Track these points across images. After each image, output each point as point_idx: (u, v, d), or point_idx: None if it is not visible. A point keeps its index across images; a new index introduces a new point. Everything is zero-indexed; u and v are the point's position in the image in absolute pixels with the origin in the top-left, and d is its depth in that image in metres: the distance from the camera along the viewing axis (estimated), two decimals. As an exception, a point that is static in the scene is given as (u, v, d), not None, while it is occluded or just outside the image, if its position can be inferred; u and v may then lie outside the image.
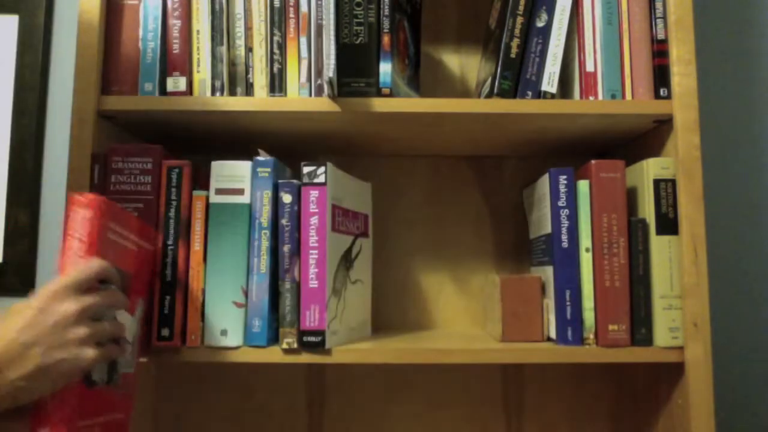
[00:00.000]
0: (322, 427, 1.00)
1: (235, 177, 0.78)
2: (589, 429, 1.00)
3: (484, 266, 1.03)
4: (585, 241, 0.80)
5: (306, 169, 0.78)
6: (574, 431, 1.00)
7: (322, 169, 0.78)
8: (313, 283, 0.76)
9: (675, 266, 0.78)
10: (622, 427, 0.97)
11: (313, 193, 0.77)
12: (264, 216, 0.78)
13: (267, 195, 0.78)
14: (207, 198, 0.78)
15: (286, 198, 0.78)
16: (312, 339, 0.76)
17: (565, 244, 0.80)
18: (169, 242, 0.78)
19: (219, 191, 0.78)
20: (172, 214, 0.78)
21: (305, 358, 0.76)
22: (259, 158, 0.79)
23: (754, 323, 1.04)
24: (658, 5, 0.82)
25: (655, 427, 0.85)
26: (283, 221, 0.77)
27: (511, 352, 0.78)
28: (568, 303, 0.79)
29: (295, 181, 0.78)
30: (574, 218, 0.80)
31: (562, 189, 0.80)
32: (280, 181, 0.78)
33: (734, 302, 1.04)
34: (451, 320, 1.02)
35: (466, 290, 1.03)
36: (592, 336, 0.79)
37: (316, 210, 0.77)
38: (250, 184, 0.78)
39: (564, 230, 0.80)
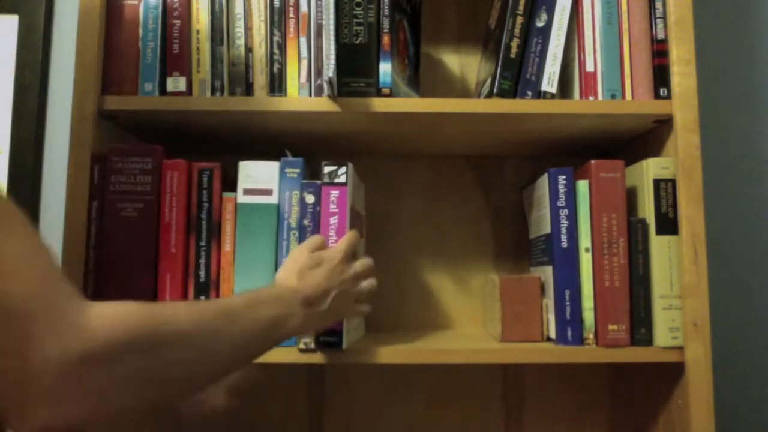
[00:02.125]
0: (322, 427, 1.00)
1: (262, 177, 0.79)
2: (588, 429, 1.00)
3: (483, 266, 1.03)
4: (584, 241, 0.80)
5: (327, 169, 0.77)
6: (574, 431, 1.00)
7: (343, 170, 0.77)
8: None
9: (675, 266, 0.78)
10: (622, 427, 0.97)
11: (334, 193, 0.77)
12: (293, 216, 0.78)
13: (296, 195, 0.78)
14: (236, 199, 0.79)
15: (309, 198, 0.78)
16: (329, 339, 0.76)
17: (564, 244, 0.80)
18: (202, 243, 0.78)
19: (247, 191, 0.79)
20: (204, 215, 0.79)
21: (318, 357, 0.76)
22: (288, 158, 0.79)
23: (754, 323, 1.04)
24: (658, 5, 0.82)
25: (655, 427, 0.85)
26: (305, 222, 0.77)
27: (511, 351, 0.78)
28: (567, 303, 0.79)
29: (318, 181, 0.78)
30: (573, 218, 0.80)
31: (562, 189, 0.81)
32: (303, 181, 0.78)
33: (734, 302, 1.04)
34: (450, 320, 1.02)
35: (465, 290, 1.03)
36: (591, 336, 0.79)
37: (336, 210, 0.76)
38: (278, 185, 0.79)
39: (563, 230, 0.80)
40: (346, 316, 0.75)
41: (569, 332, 0.79)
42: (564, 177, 0.81)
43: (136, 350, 0.44)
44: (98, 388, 0.42)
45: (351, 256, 0.74)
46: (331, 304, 0.69)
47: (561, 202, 0.80)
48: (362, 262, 0.76)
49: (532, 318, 0.83)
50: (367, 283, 0.75)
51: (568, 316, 0.79)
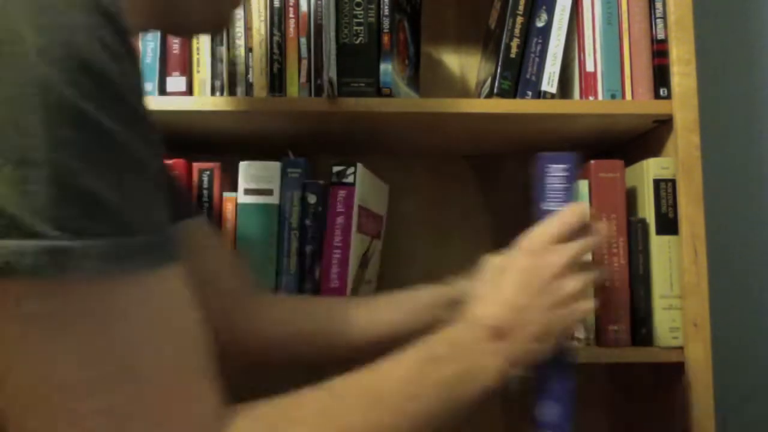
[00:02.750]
0: (322, 427, 1.00)
1: (263, 177, 0.79)
2: (589, 429, 1.00)
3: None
4: (585, 241, 0.80)
5: (335, 169, 0.77)
6: (574, 431, 1.00)
7: (351, 170, 0.77)
8: (335, 283, 0.76)
9: (675, 266, 0.78)
10: (622, 426, 0.97)
11: (341, 193, 0.77)
12: (294, 216, 0.78)
13: (297, 195, 0.78)
14: (236, 199, 0.79)
15: (311, 198, 0.78)
16: None
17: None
18: None
19: (248, 191, 0.79)
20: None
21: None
22: (290, 158, 0.79)
23: (754, 323, 1.04)
24: (658, 5, 0.82)
25: (655, 427, 0.85)
26: (307, 221, 0.77)
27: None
28: None
29: (321, 181, 0.78)
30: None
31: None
32: (306, 181, 0.78)
33: (734, 302, 1.04)
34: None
35: (466, 290, 1.02)
36: (592, 336, 0.79)
37: (343, 210, 0.76)
38: (279, 185, 0.79)
39: None
40: (570, 326, 0.53)
41: None
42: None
43: None
44: None
45: (561, 240, 0.52)
46: (543, 319, 0.49)
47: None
48: (580, 245, 0.52)
49: None
50: (594, 303, 0.53)
51: None
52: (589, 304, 0.52)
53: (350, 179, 0.77)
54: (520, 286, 0.50)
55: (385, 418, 0.42)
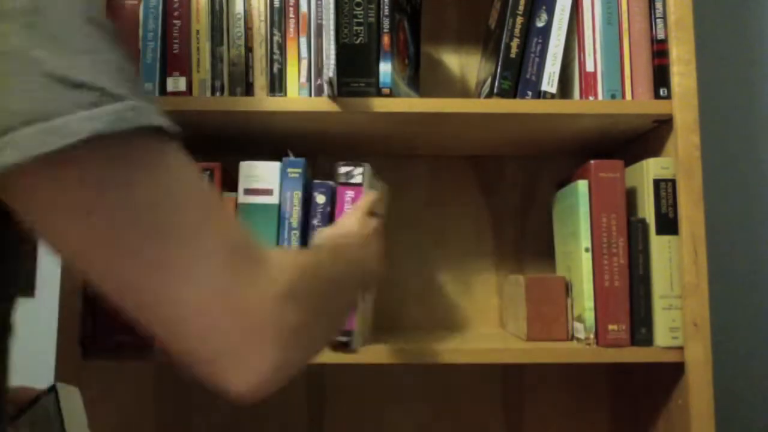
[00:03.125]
0: (322, 427, 1.00)
1: (263, 177, 0.79)
2: (589, 429, 1.00)
3: (484, 266, 1.03)
4: (584, 241, 0.80)
5: (343, 169, 0.77)
6: (574, 431, 1.00)
7: (359, 170, 0.77)
8: None
9: (675, 266, 0.78)
10: (622, 427, 0.97)
11: (349, 194, 0.77)
12: (294, 216, 0.78)
13: (297, 195, 0.78)
14: (236, 199, 0.79)
15: (320, 198, 0.78)
16: (341, 339, 0.75)
17: None
18: None
19: (248, 191, 0.79)
20: None
21: (330, 357, 0.76)
22: (290, 158, 0.79)
23: (754, 323, 1.04)
24: (658, 5, 0.82)
25: (655, 427, 0.85)
26: (315, 221, 0.77)
27: (516, 351, 0.78)
28: None
29: (330, 182, 0.78)
30: None
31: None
32: (315, 181, 0.78)
33: (734, 302, 1.04)
34: (450, 320, 1.02)
35: (465, 290, 1.03)
36: (592, 336, 0.79)
37: None
38: (279, 185, 0.78)
39: None
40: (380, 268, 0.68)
41: None
42: None
43: (313, 291, 0.46)
44: (299, 325, 0.42)
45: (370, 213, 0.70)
46: (374, 245, 0.66)
47: None
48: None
49: (558, 318, 0.83)
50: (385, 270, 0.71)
51: None
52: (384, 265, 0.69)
53: (358, 179, 0.77)
54: (360, 227, 0.65)
55: (347, 282, 0.56)
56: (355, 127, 0.87)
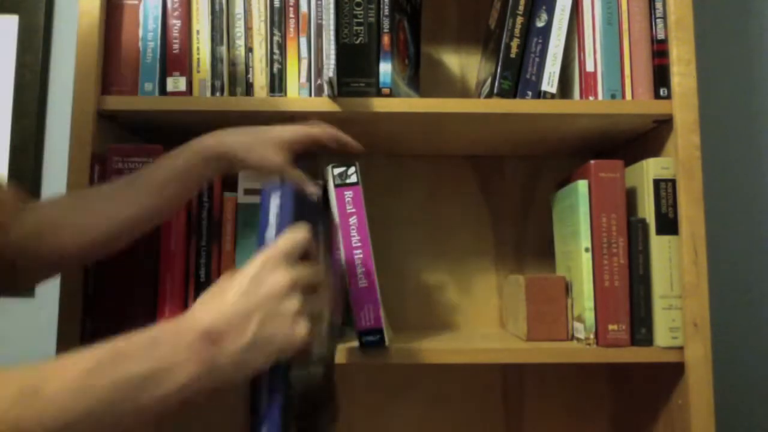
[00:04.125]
0: (322, 427, 1.00)
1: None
2: (589, 429, 1.00)
3: (484, 266, 1.03)
4: (584, 241, 0.80)
5: (336, 171, 0.77)
6: (574, 431, 1.00)
7: (352, 169, 0.77)
8: (363, 283, 0.75)
9: (675, 266, 0.78)
10: (622, 427, 0.97)
11: (348, 194, 0.76)
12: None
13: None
14: (236, 199, 0.79)
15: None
16: (371, 338, 0.75)
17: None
18: (203, 243, 0.79)
19: (248, 191, 0.79)
20: (204, 215, 0.79)
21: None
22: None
23: (754, 323, 1.04)
24: (658, 5, 0.82)
25: (655, 427, 0.85)
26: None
27: (521, 352, 0.78)
28: None
29: (320, 181, 0.78)
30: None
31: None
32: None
33: (734, 302, 1.04)
34: (450, 320, 1.02)
35: (465, 290, 1.03)
36: (592, 336, 0.79)
37: (354, 210, 0.76)
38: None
39: None
40: (284, 345, 0.50)
41: None
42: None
43: None
44: None
45: (291, 259, 0.52)
46: (257, 332, 0.48)
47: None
48: (308, 269, 0.53)
49: (558, 317, 0.83)
50: (311, 329, 0.51)
51: None
52: (303, 327, 0.50)
53: (353, 179, 0.77)
54: (242, 295, 0.49)
55: (37, 413, 0.41)
56: (355, 127, 0.87)
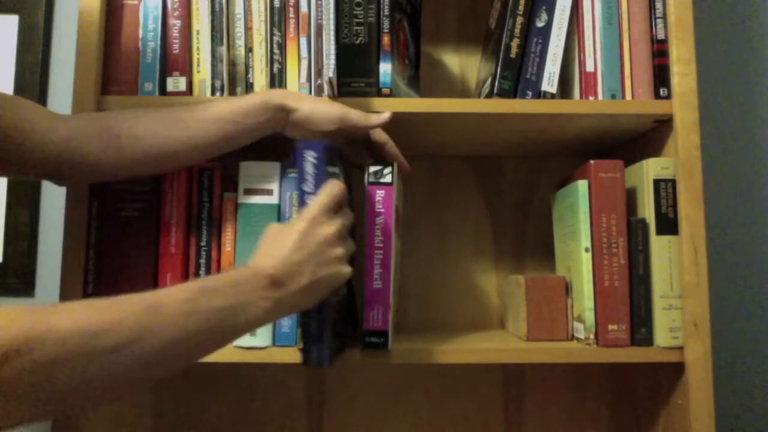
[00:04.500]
0: (322, 427, 1.00)
1: (263, 177, 0.79)
2: (589, 429, 1.00)
3: (484, 266, 1.03)
4: (584, 241, 0.80)
5: (372, 169, 0.76)
6: (574, 431, 1.00)
7: (388, 169, 0.76)
8: (377, 284, 0.75)
9: (675, 266, 0.78)
10: (622, 427, 0.97)
11: (380, 193, 0.76)
12: (293, 217, 0.78)
13: (296, 195, 0.78)
14: (236, 199, 0.79)
15: (310, 199, 0.77)
16: (375, 340, 0.75)
17: None
18: (203, 243, 0.79)
19: (248, 191, 0.79)
20: (204, 215, 0.79)
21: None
22: (290, 158, 0.79)
23: (754, 323, 1.04)
24: (658, 5, 0.82)
25: (655, 427, 0.85)
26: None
27: (521, 352, 0.79)
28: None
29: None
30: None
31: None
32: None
33: (734, 302, 1.04)
34: (450, 320, 1.02)
35: (465, 290, 1.03)
36: (592, 336, 0.79)
37: (382, 210, 0.76)
38: (279, 185, 0.79)
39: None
40: (341, 279, 0.64)
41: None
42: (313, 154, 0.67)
43: (13, 361, 0.41)
44: None
45: (331, 211, 0.63)
46: (312, 276, 0.60)
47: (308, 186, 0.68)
48: (345, 217, 0.66)
49: (558, 317, 0.83)
50: (352, 269, 0.66)
51: None
52: (347, 269, 0.64)
53: (388, 179, 0.76)
54: (296, 246, 0.60)
55: (159, 326, 0.50)
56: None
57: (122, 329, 0.47)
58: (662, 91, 0.81)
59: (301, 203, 0.65)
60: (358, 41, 0.81)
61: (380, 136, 0.79)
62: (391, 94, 0.80)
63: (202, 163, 0.79)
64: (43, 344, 0.42)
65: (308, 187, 0.66)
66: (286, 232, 0.61)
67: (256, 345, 0.76)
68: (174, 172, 0.78)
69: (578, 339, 0.81)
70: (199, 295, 0.53)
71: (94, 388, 0.45)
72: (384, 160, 0.78)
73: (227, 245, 0.78)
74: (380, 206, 0.76)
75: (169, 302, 0.51)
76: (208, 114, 0.71)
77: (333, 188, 0.64)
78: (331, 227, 0.62)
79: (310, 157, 0.66)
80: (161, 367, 0.51)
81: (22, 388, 0.41)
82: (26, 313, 0.43)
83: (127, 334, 0.47)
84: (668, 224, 0.78)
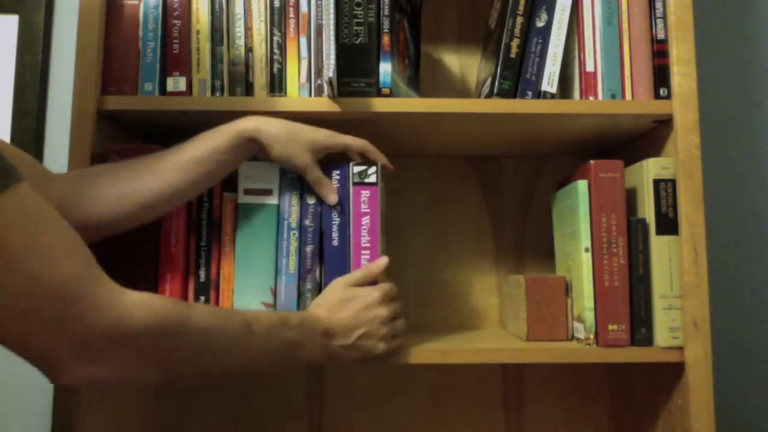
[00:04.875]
0: (322, 427, 1.00)
1: (263, 178, 0.79)
2: (589, 429, 1.00)
3: (484, 266, 1.03)
4: (585, 241, 0.80)
5: (356, 169, 0.77)
6: (574, 431, 1.00)
7: (373, 169, 0.77)
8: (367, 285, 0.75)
9: (675, 266, 0.78)
10: (622, 427, 0.97)
11: (365, 193, 0.77)
12: (293, 217, 0.78)
13: (296, 196, 0.78)
14: (236, 199, 0.79)
15: (311, 199, 0.78)
16: None
17: (335, 243, 0.78)
18: (202, 243, 0.79)
19: (247, 191, 0.79)
20: (204, 215, 0.79)
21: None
22: None
23: (754, 323, 1.04)
24: (658, 5, 0.82)
25: (655, 427, 0.85)
26: (307, 222, 0.77)
27: (521, 352, 0.78)
28: None
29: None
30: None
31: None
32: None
33: (734, 302, 1.04)
34: (450, 320, 1.02)
35: (466, 290, 1.03)
36: (592, 336, 0.79)
37: (368, 210, 0.76)
38: (279, 185, 0.79)
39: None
40: (375, 353, 0.73)
41: None
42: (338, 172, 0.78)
43: (163, 338, 0.53)
44: (126, 362, 0.52)
45: (390, 298, 0.75)
46: (356, 341, 0.71)
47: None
48: (395, 306, 0.76)
49: (558, 317, 0.84)
50: (399, 323, 0.76)
51: None
52: (383, 347, 0.73)
53: (373, 179, 0.77)
54: (355, 314, 0.71)
55: (249, 341, 0.62)
56: (355, 127, 0.87)
57: (225, 338, 0.60)
58: (662, 91, 0.81)
59: (327, 215, 0.77)
60: (358, 41, 0.81)
61: (358, 145, 0.79)
62: (391, 94, 0.80)
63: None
64: (183, 327, 0.56)
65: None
66: (350, 297, 0.72)
67: None
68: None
69: (578, 339, 0.81)
70: (280, 324, 0.65)
71: (191, 371, 0.59)
72: (367, 160, 0.79)
73: (227, 245, 0.78)
74: (366, 206, 0.76)
75: (259, 323, 0.63)
76: (185, 158, 0.72)
77: (392, 287, 0.76)
78: (385, 310, 0.73)
79: (335, 175, 0.77)
80: (244, 371, 0.64)
81: (157, 351, 0.54)
82: (167, 304, 0.55)
83: (227, 343, 0.60)
84: (668, 224, 0.78)
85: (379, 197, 0.77)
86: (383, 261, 0.76)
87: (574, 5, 0.83)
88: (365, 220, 0.76)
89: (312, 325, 0.68)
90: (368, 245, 0.76)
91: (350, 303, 0.72)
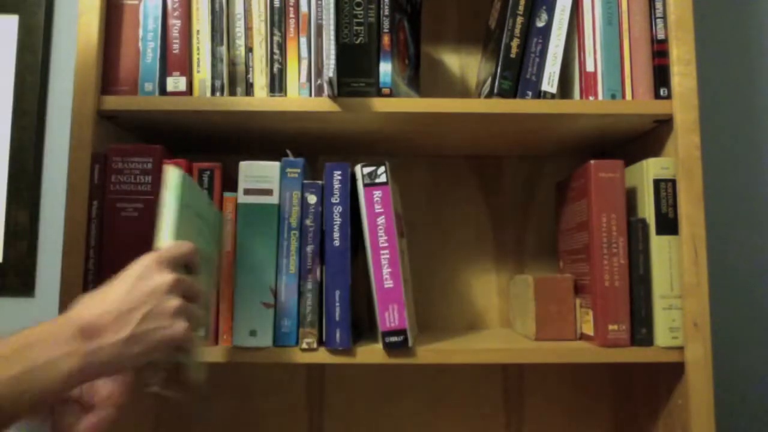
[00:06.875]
0: (322, 427, 1.00)
1: (263, 177, 0.79)
2: (589, 429, 1.00)
3: (484, 266, 1.03)
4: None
5: (366, 170, 0.77)
6: (574, 431, 1.00)
7: (382, 169, 0.77)
8: (389, 284, 0.75)
9: (675, 266, 0.78)
10: (622, 427, 0.97)
11: (377, 194, 0.76)
12: (293, 216, 0.78)
13: (296, 195, 0.78)
14: (236, 199, 0.79)
15: (311, 199, 0.78)
16: (394, 339, 0.75)
17: (336, 243, 0.77)
18: None
19: (247, 191, 0.79)
20: None
21: (320, 356, 0.76)
22: (289, 159, 0.79)
23: (754, 323, 1.04)
24: (658, 5, 0.82)
25: (655, 427, 0.85)
26: (307, 222, 0.77)
27: (521, 352, 0.78)
28: (338, 304, 0.76)
29: (319, 181, 0.78)
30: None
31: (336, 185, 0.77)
32: (304, 181, 0.78)
33: (734, 302, 1.04)
34: (450, 320, 1.02)
35: (466, 290, 1.03)
36: (591, 334, 0.79)
37: (382, 210, 0.76)
38: (279, 185, 0.79)
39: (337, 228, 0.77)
40: (163, 341, 0.53)
41: (337, 335, 0.76)
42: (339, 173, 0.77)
43: None
44: None
45: (174, 264, 0.56)
46: (136, 328, 0.51)
47: (335, 199, 0.77)
48: (190, 278, 0.58)
49: (566, 317, 0.84)
50: (190, 330, 0.55)
51: (337, 318, 0.76)
52: (182, 326, 0.54)
53: (383, 178, 0.77)
54: (126, 292, 0.52)
55: None
56: (355, 127, 0.87)
57: None
58: (662, 91, 0.81)
59: (329, 214, 0.75)
60: (358, 41, 0.81)
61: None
62: (391, 94, 0.80)
63: (201, 164, 0.79)
64: None
65: (335, 199, 0.75)
66: (117, 279, 0.53)
67: (256, 345, 0.76)
68: None
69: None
70: (19, 348, 0.47)
71: None
72: (372, 165, 0.78)
73: (227, 245, 0.78)
74: (379, 206, 0.76)
75: None
76: None
77: (182, 245, 0.58)
78: (169, 276, 0.54)
79: (337, 175, 0.76)
80: None
81: None
82: None
83: None
84: (668, 224, 0.78)
85: (392, 196, 0.77)
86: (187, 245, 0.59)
87: (574, 5, 0.83)
88: (380, 220, 0.76)
89: (53, 334, 0.49)
90: (386, 245, 0.76)
91: (116, 282, 0.54)
